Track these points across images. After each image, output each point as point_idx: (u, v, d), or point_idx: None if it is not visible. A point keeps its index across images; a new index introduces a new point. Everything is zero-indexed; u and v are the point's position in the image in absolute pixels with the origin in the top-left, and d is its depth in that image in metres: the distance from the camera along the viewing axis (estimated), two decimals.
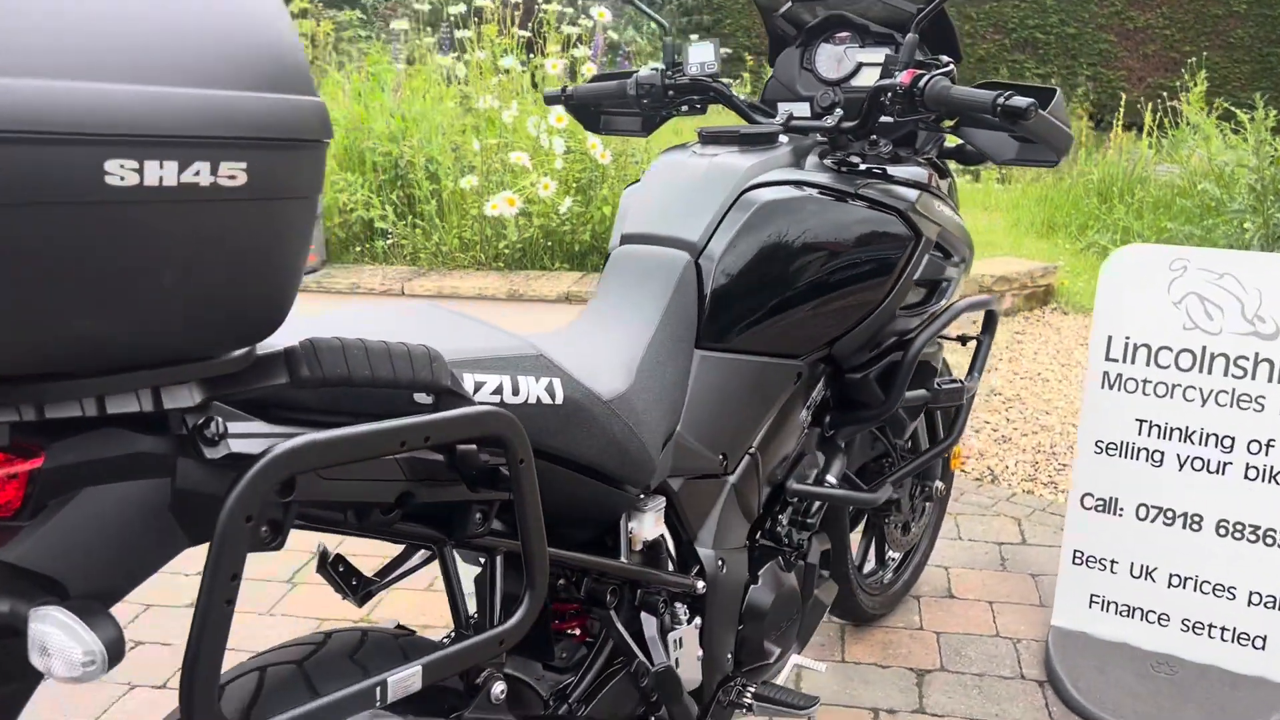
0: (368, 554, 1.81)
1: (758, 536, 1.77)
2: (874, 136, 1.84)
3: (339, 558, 1.41)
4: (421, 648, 1.17)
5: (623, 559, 1.40)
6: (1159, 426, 2.35)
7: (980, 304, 2.00)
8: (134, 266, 0.70)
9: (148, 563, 0.88)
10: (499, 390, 1.15)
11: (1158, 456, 2.36)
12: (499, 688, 1.17)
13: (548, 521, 1.34)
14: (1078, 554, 2.48)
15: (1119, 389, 2.39)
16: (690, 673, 1.51)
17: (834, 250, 1.69)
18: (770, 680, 1.73)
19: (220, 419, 0.90)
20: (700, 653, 1.53)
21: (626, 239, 1.68)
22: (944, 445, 2.08)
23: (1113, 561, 2.43)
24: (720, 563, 1.57)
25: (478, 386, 1.13)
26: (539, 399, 1.19)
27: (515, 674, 1.46)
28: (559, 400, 1.22)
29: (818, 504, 1.84)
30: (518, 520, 1.09)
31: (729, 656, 1.63)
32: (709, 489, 1.59)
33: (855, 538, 2.55)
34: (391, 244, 4.77)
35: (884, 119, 1.79)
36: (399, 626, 1.38)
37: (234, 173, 0.72)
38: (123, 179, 0.67)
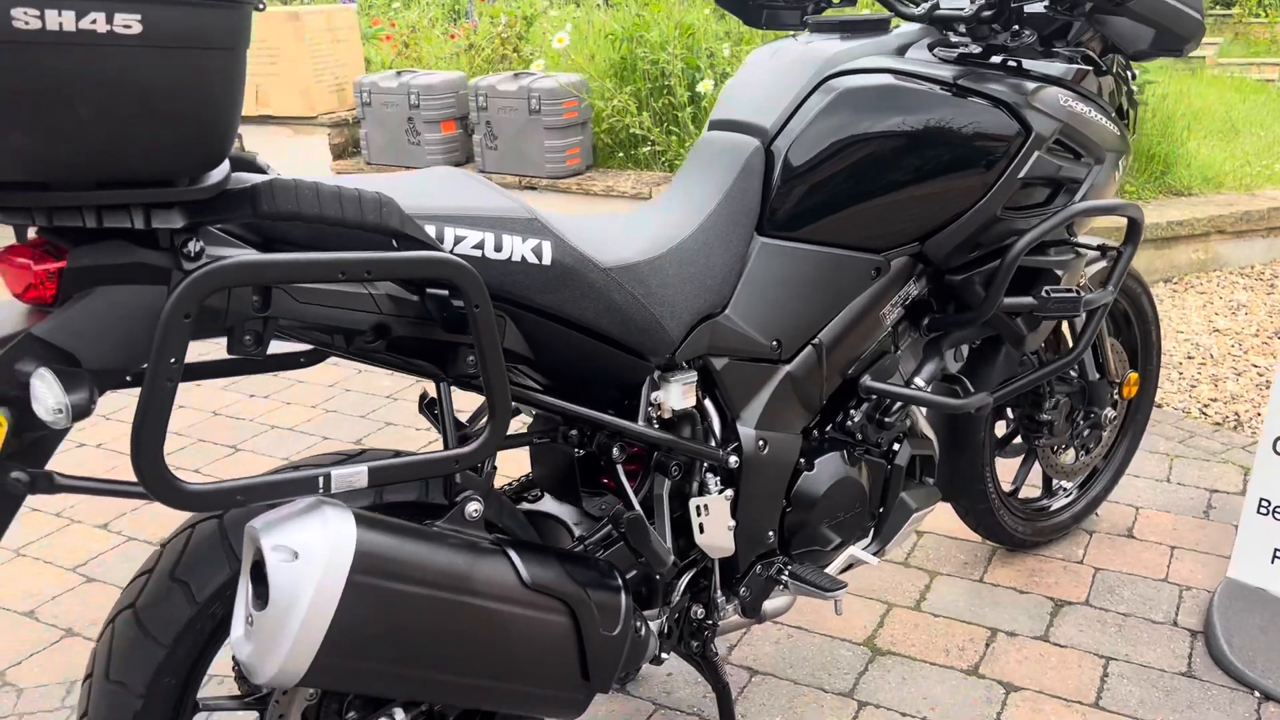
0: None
1: (828, 428, 1.79)
2: (1016, 27, 1.74)
3: (434, 401, 1.61)
4: None
5: (640, 423, 1.50)
6: None
7: (1111, 209, 1.84)
8: (48, 94, 0.90)
9: (146, 352, 1.11)
10: (480, 245, 1.28)
11: None
12: (473, 507, 1.33)
13: (562, 375, 1.47)
14: (1264, 503, 2.23)
15: None
16: (719, 539, 1.59)
17: (920, 142, 1.64)
18: (823, 566, 1.76)
19: (200, 240, 1.11)
20: (732, 523, 1.60)
21: (711, 125, 1.73)
22: (1056, 365, 1.95)
23: None
24: (761, 443, 1.62)
25: (458, 240, 1.27)
26: (523, 258, 1.31)
27: (552, 513, 1.63)
28: (546, 261, 1.33)
29: (898, 405, 1.82)
30: (478, 359, 1.23)
31: (771, 534, 1.68)
32: (758, 372, 1.64)
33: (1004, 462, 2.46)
34: (651, 150, 4.97)
35: (1032, 9, 1.70)
36: None
37: (129, 22, 0.90)
38: (27, 23, 0.86)
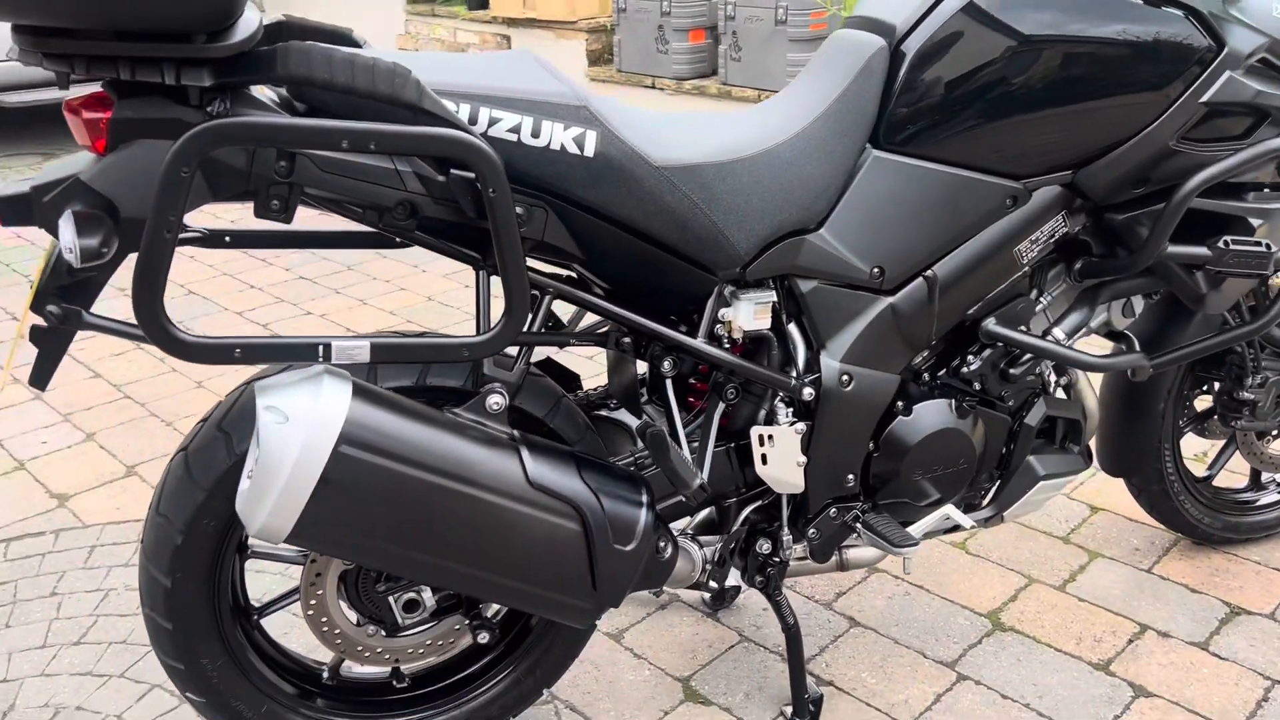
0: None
1: (941, 373, 1.61)
2: None
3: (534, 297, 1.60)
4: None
5: (699, 340, 1.41)
6: None
7: None
8: None
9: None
10: (516, 129, 1.23)
11: None
12: (494, 400, 1.31)
13: (618, 279, 1.41)
14: None
15: None
16: (784, 473, 1.49)
17: (1076, 52, 1.41)
18: (910, 521, 1.61)
19: (227, 101, 1.13)
20: (802, 459, 1.49)
21: (846, 23, 1.57)
22: (1235, 333, 1.64)
23: None
24: (845, 378, 1.49)
25: (493, 121, 1.23)
26: (563, 146, 1.25)
27: (622, 422, 1.59)
28: (588, 152, 1.26)
29: (1028, 356, 1.60)
30: (494, 247, 1.19)
31: (851, 478, 1.55)
32: (852, 301, 1.49)
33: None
34: None
35: None
36: (547, 359, 1.57)
37: None
38: None
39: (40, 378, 1.23)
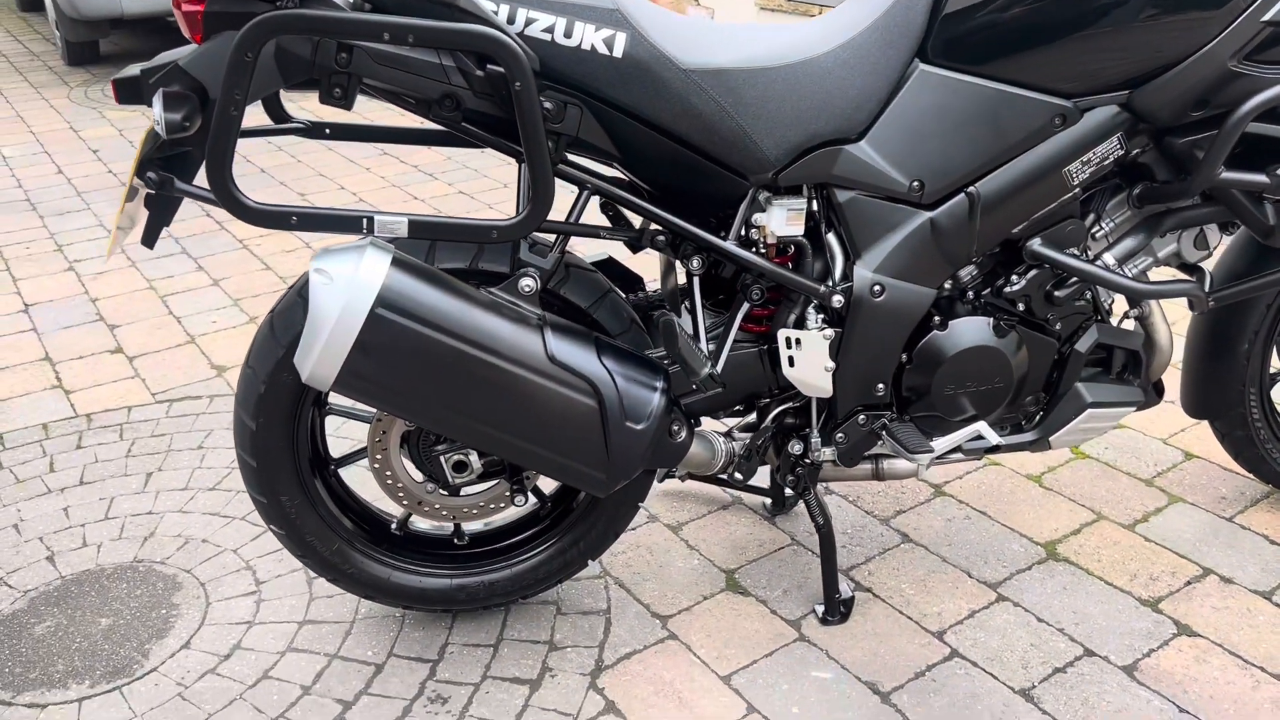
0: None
1: (985, 291, 1.63)
2: None
3: (609, 204, 1.73)
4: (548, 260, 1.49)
5: (730, 241, 1.49)
6: None
7: None
8: None
9: (256, 89, 1.33)
10: (550, 30, 1.34)
11: None
12: (526, 283, 1.44)
13: (655, 179, 1.51)
14: None
15: None
16: (810, 377, 1.55)
17: None
18: (939, 435, 1.64)
19: None
20: (830, 364, 1.55)
21: None
22: None
23: None
24: (876, 288, 1.53)
25: (529, 22, 1.34)
26: (593, 47, 1.35)
27: (663, 313, 1.68)
28: (617, 53, 1.35)
29: (1074, 280, 1.59)
30: (520, 138, 1.31)
31: (880, 387, 1.60)
32: (890, 213, 1.53)
33: None
34: None
35: None
36: (609, 259, 1.69)
37: None
38: None
39: (150, 237, 1.44)
